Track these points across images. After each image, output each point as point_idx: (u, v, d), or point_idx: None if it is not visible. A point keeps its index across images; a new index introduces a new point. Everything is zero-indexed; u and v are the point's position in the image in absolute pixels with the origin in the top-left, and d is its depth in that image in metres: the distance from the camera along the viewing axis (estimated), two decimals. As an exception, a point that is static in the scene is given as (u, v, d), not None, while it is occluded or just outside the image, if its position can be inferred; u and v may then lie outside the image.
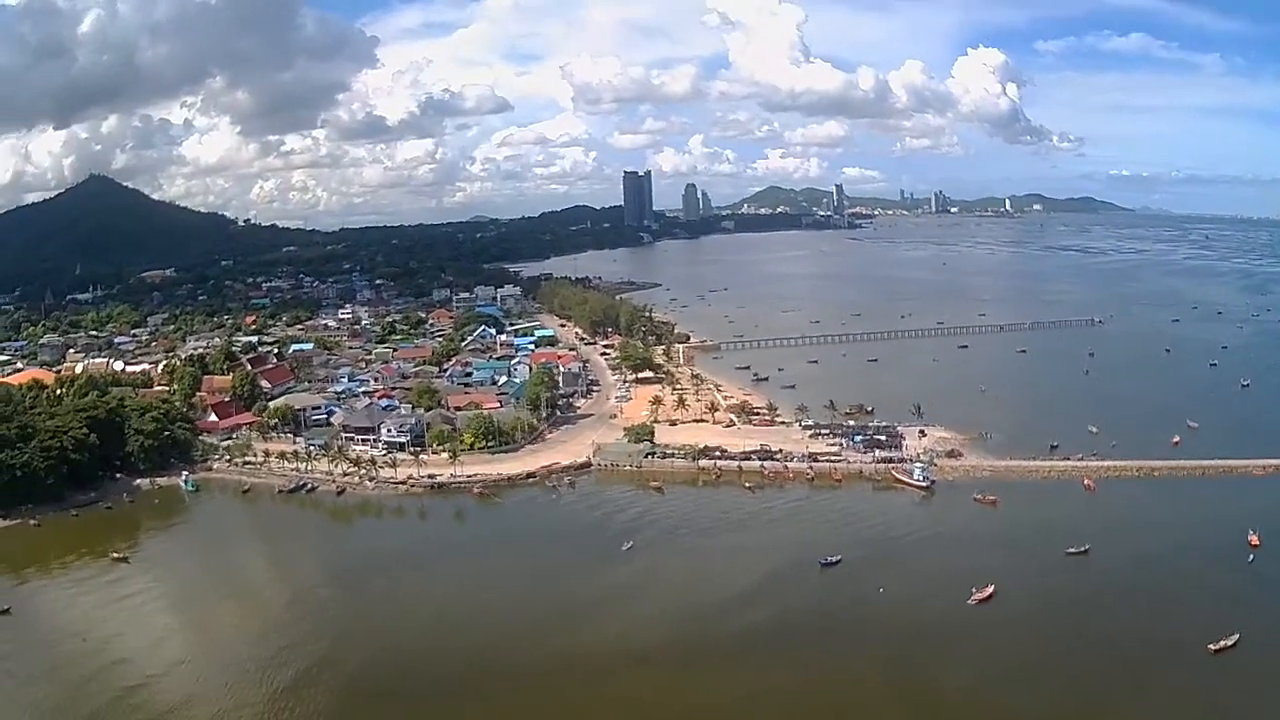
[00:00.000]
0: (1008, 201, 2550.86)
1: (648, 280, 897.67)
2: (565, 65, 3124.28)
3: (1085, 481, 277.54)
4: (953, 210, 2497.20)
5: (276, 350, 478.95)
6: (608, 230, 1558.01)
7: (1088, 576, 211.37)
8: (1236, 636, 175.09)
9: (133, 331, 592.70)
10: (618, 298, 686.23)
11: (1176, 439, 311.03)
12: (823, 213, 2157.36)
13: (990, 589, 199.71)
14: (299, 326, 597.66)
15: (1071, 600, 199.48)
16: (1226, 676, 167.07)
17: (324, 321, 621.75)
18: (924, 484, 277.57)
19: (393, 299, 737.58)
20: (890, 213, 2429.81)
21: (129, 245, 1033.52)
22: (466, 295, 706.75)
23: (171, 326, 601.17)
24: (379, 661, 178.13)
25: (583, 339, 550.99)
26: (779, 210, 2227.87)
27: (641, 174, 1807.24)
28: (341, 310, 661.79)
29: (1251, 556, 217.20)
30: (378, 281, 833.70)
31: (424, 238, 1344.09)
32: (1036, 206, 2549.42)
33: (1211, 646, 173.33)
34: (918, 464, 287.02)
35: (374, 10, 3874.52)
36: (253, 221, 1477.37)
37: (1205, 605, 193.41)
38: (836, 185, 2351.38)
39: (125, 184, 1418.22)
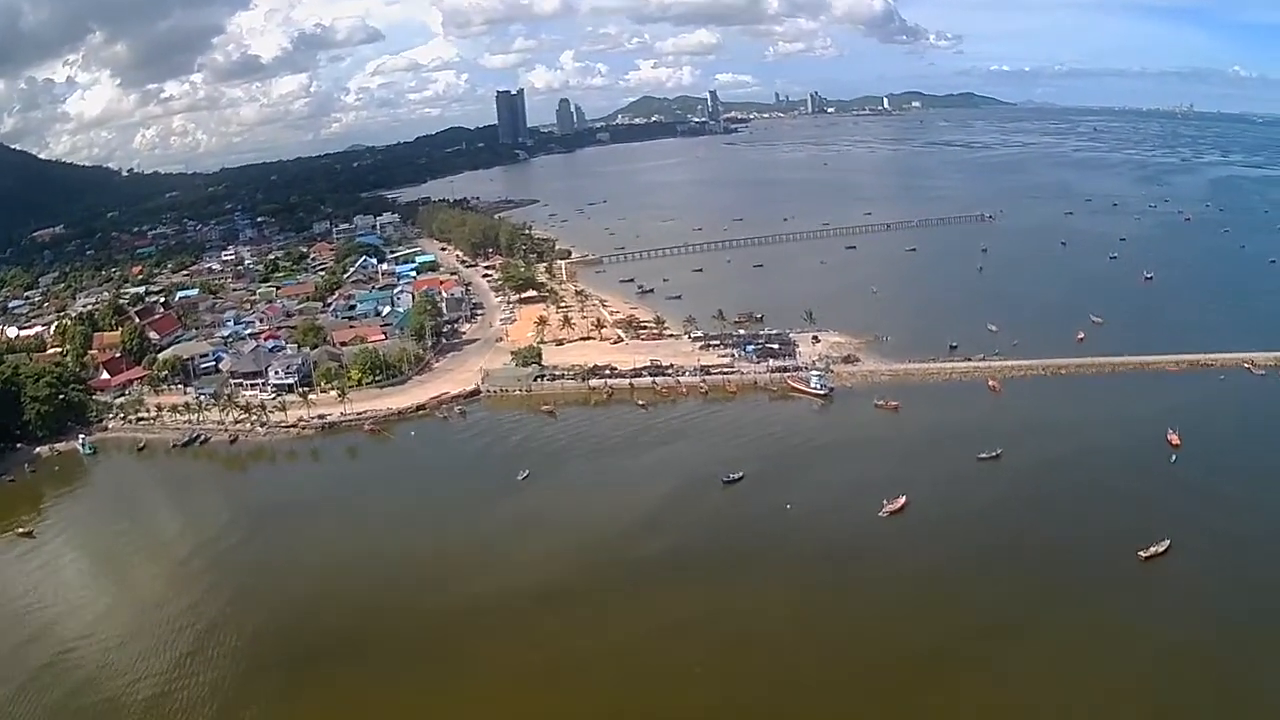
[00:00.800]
0: (885, 100, 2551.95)
1: (525, 197, 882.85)
2: None
3: (990, 383, 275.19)
4: (829, 111, 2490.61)
5: (163, 299, 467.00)
6: (483, 150, 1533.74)
7: (1002, 483, 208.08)
8: (1167, 543, 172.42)
9: (26, 294, 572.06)
10: (496, 217, 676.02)
11: (1081, 335, 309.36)
12: (697, 120, 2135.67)
13: (902, 499, 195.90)
14: (184, 272, 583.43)
15: (988, 509, 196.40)
16: (1159, 585, 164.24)
17: (208, 265, 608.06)
18: (822, 392, 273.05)
19: (274, 236, 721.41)
20: (766, 116, 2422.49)
21: (20, 207, 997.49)
22: (347, 226, 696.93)
23: (62, 285, 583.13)
24: (279, 618, 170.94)
25: (464, 262, 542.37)
26: (653, 120, 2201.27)
27: (514, 92, 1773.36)
28: (225, 252, 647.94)
29: (1174, 456, 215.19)
30: (259, 219, 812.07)
31: (303, 171, 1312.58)
32: (915, 104, 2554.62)
33: (1141, 554, 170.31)
34: (814, 371, 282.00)
35: None
36: (136, 170, 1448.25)
37: (1130, 510, 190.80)
38: (710, 92, 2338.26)
39: (13, 146, 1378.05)
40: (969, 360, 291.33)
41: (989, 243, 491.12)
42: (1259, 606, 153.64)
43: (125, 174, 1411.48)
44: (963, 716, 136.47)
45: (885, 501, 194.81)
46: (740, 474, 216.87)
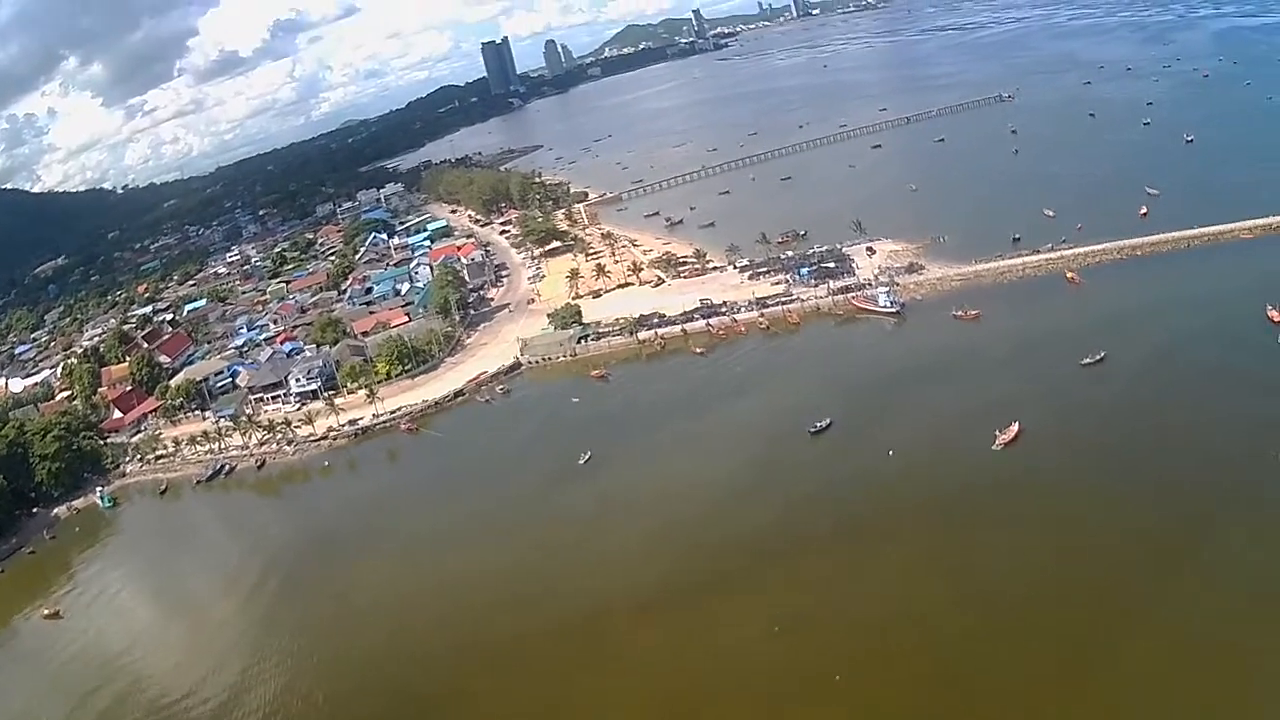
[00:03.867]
0: None
1: (528, 144, 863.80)
2: None
3: (1068, 274, 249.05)
4: (815, 12, 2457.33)
5: (171, 317, 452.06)
6: (477, 104, 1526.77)
7: (1116, 390, 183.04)
8: None
9: (32, 336, 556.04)
10: (503, 169, 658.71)
11: (1144, 210, 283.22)
12: (685, 40, 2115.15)
13: (1015, 427, 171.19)
14: (191, 282, 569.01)
15: (1110, 423, 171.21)
16: None
17: (214, 269, 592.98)
18: (893, 309, 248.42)
19: (279, 227, 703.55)
20: (753, 27, 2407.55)
21: (20, 245, 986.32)
22: (351, 205, 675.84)
23: (68, 319, 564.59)
24: (347, 680, 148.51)
25: (478, 222, 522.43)
26: (641, 47, 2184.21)
27: (499, 41, 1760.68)
28: (229, 253, 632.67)
29: None
30: (261, 213, 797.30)
31: (299, 157, 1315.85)
32: None
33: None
34: (880, 288, 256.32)
35: None
36: (132, 186, 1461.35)
37: (1258, 400, 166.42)
38: (694, 11, 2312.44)
39: (5, 186, 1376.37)
40: (1038, 253, 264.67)
41: (1016, 123, 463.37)
42: None
43: (121, 192, 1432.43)
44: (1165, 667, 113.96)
45: (997, 432, 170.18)
46: (828, 420, 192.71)
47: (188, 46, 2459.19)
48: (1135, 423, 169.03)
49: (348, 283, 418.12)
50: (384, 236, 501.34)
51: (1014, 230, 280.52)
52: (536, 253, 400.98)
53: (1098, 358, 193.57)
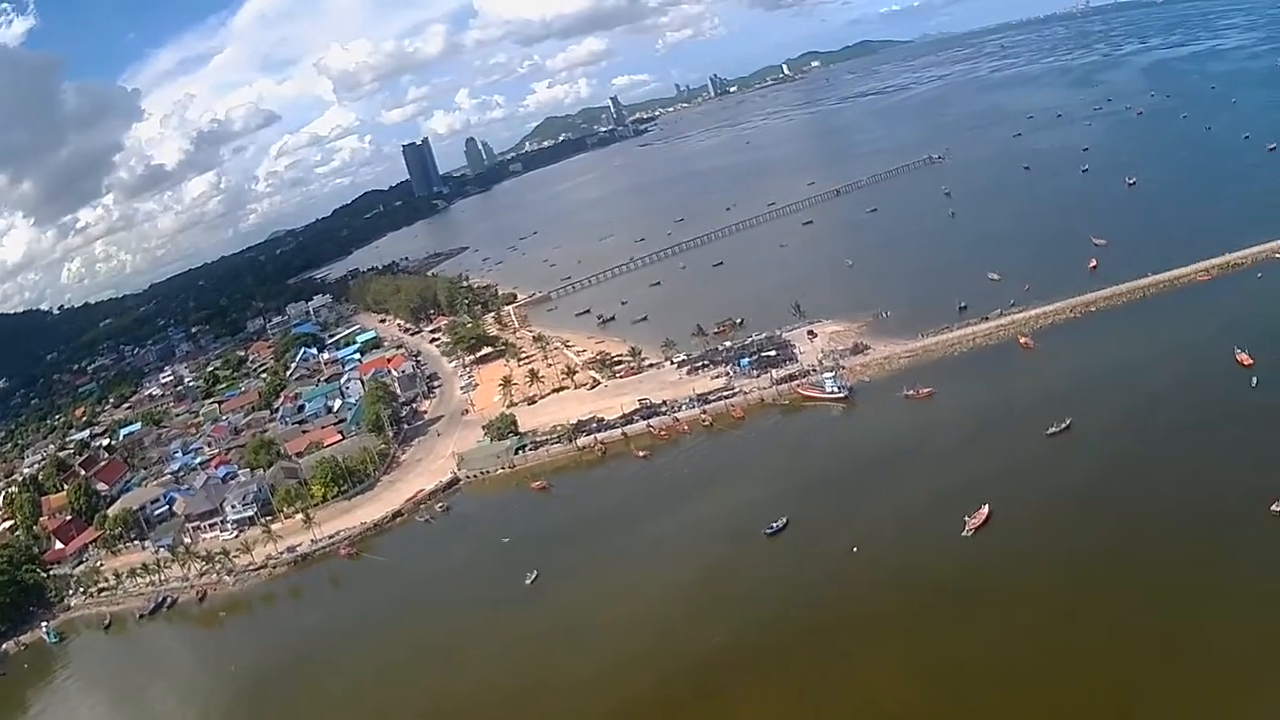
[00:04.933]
0: (784, 67, 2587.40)
1: (454, 246, 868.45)
2: (319, 60, 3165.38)
3: (1021, 340, 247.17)
4: (732, 90, 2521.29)
5: (108, 442, 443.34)
6: (402, 208, 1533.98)
7: (1086, 459, 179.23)
8: None
9: None
10: (430, 274, 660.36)
11: (1093, 263, 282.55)
12: (604, 129, 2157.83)
13: (984, 509, 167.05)
14: (126, 405, 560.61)
15: (1083, 496, 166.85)
16: None
17: (149, 391, 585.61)
18: (840, 395, 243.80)
19: (210, 345, 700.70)
20: (672, 110, 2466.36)
21: None
22: (281, 319, 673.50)
23: (9, 446, 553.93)
24: None
25: (407, 330, 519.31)
26: (561, 139, 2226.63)
27: (419, 143, 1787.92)
28: (163, 374, 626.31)
29: (1254, 380, 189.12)
30: (194, 330, 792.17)
31: (229, 271, 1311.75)
32: (815, 63, 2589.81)
33: (1275, 507, 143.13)
34: (825, 373, 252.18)
35: (130, 63, 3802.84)
36: (68, 306, 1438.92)
37: (1235, 456, 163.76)
38: (611, 98, 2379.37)
39: None
40: (987, 320, 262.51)
41: (949, 184, 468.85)
42: None
43: (58, 312, 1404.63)
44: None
45: (966, 518, 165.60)
46: (784, 520, 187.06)
47: (114, 162, 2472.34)
48: (1111, 494, 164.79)
49: (279, 401, 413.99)
50: (314, 351, 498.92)
51: (959, 298, 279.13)
52: (468, 360, 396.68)
53: (1063, 426, 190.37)
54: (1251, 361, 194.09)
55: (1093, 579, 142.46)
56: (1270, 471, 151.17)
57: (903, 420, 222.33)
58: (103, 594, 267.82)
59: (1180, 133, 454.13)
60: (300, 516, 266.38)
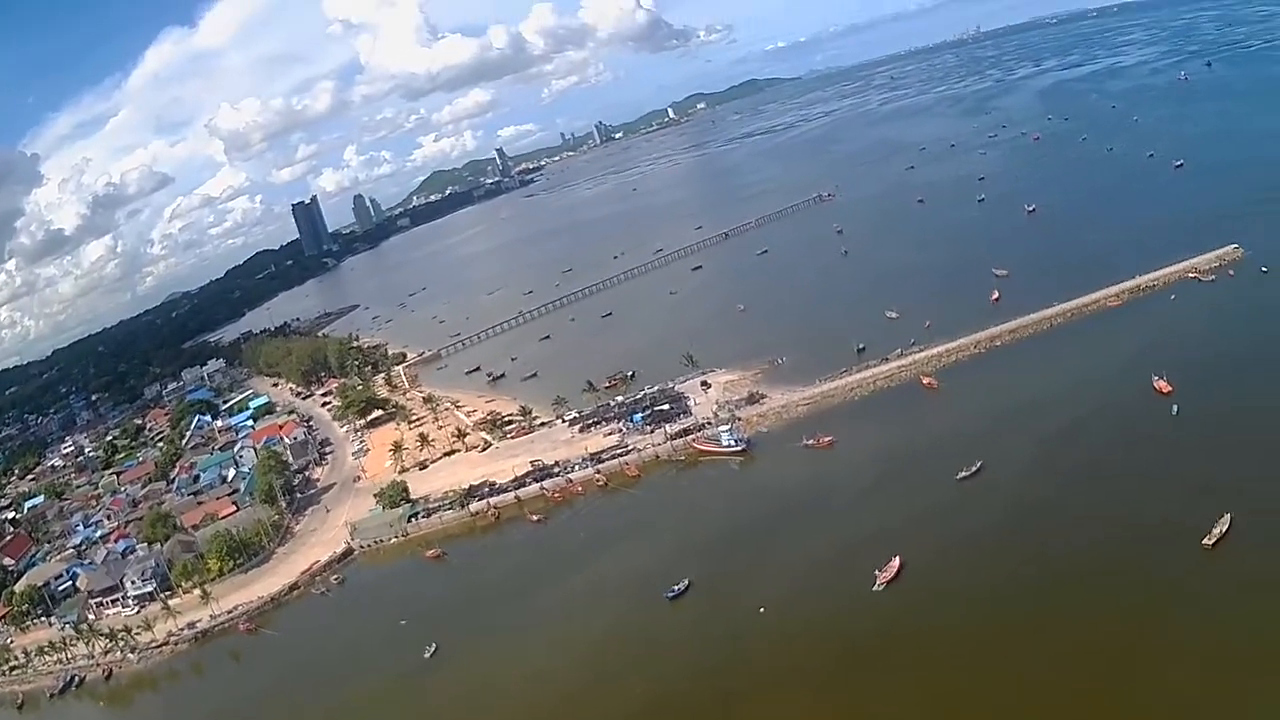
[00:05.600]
0: (670, 110, 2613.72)
1: (345, 305, 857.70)
2: (210, 121, 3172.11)
3: (923, 380, 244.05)
4: (617, 136, 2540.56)
5: (13, 515, 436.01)
6: (293, 267, 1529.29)
7: (1000, 502, 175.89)
8: (1226, 518, 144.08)
9: None
10: (320, 334, 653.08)
11: (995, 295, 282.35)
12: (490, 181, 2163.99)
13: (895, 561, 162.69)
14: (30, 476, 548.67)
15: (1000, 541, 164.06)
16: (1235, 570, 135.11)
17: (51, 462, 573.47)
18: (738, 448, 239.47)
19: (109, 413, 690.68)
20: (558, 159, 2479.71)
21: None
22: (176, 385, 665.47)
23: None
24: None
25: (299, 394, 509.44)
26: (449, 193, 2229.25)
27: (308, 201, 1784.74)
28: (64, 444, 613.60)
29: (1175, 408, 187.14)
30: (94, 398, 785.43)
31: (127, 335, 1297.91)
32: (701, 105, 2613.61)
33: (1206, 541, 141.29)
34: (721, 426, 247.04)
35: (29, 128, 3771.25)
36: None
37: (1160, 489, 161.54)
38: (497, 150, 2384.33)
39: None
40: (887, 361, 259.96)
41: (841, 221, 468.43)
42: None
43: None
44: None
45: (877, 571, 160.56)
46: (685, 582, 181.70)
47: (16, 228, 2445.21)
48: (1032, 539, 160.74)
49: (175, 471, 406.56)
50: (208, 418, 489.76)
51: (857, 340, 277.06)
52: (359, 425, 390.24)
53: (974, 469, 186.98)
54: (1171, 389, 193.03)
55: (1017, 631, 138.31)
56: (1200, 504, 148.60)
57: (804, 471, 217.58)
58: (14, 672, 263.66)
59: (1080, 155, 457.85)
60: (198, 592, 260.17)
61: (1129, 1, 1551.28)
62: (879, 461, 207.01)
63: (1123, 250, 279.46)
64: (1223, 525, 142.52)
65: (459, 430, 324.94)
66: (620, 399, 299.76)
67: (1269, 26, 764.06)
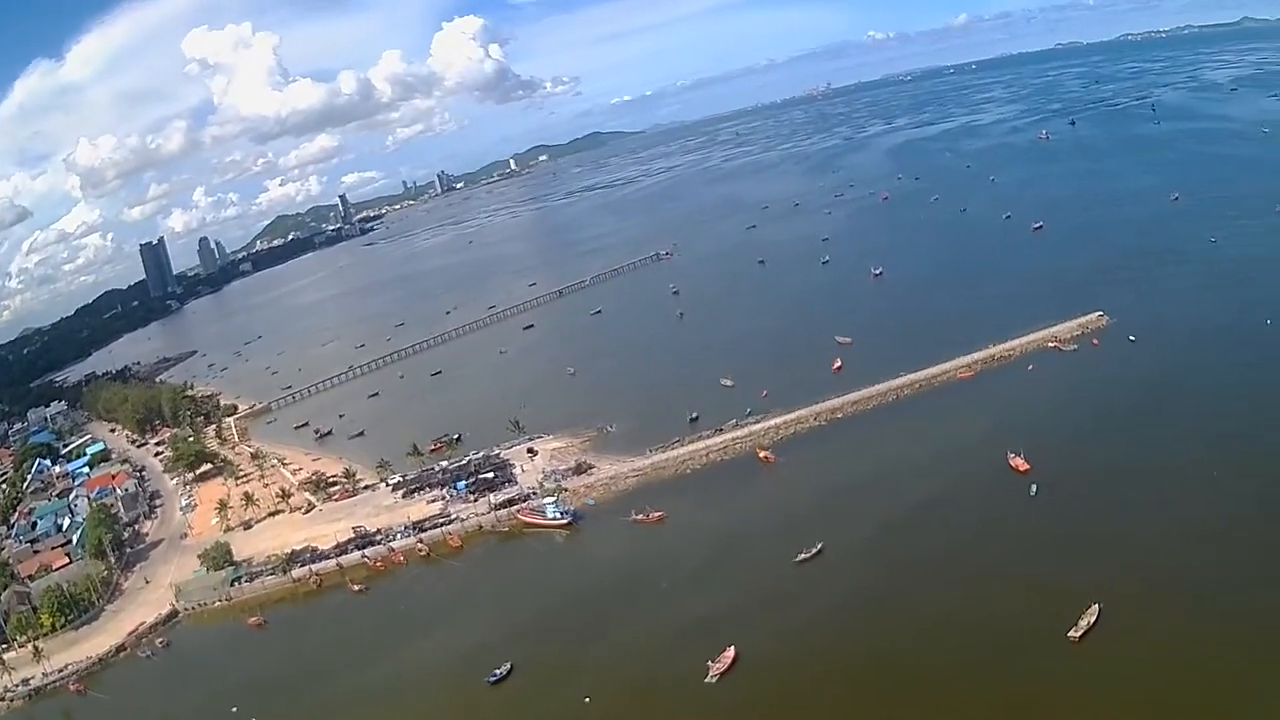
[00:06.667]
0: (512, 161, 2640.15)
1: (184, 350, 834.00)
2: (69, 156, 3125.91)
3: (760, 453, 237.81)
4: (458, 186, 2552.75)
5: None
6: (138, 308, 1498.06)
7: (841, 586, 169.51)
8: (1096, 609, 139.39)
9: None
10: (158, 381, 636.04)
11: (837, 363, 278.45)
12: (332, 228, 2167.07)
13: (730, 651, 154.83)
14: None
15: (842, 631, 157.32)
16: (1104, 665, 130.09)
17: None
18: (563, 521, 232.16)
19: None
20: (399, 207, 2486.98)
21: None
22: (22, 425, 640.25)
23: None
24: None
25: (134, 442, 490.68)
26: (291, 238, 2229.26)
27: (155, 242, 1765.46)
28: None
29: (1033, 488, 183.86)
30: None
31: None
32: (543, 157, 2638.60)
33: (1072, 634, 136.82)
34: (546, 498, 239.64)
35: None
36: None
37: (1020, 576, 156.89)
38: (340, 196, 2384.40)
39: None
40: (721, 432, 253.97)
41: (677, 282, 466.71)
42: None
43: None
44: None
45: (710, 662, 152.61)
46: (507, 666, 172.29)
47: None
48: (878, 631, 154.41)
49: (15, 517, 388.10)
50: (48, 462, 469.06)
51: (691, 409, 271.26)
52: (188, 478, 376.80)
53: (814, 551, 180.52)
54: (1028, 467, 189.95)
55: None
56: (1065, 592, 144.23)
57: (633, 548, 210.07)
58: None
59: (931, 216, 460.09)
60: (31, 647, 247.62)
61: (989, 58, 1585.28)
62: (712, 540, 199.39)
63: (976, 318, 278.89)
64: (1090, 616, 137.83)
65: (283, 490, 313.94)
66: (445, 463, 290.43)
67: (1139, 84, 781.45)
